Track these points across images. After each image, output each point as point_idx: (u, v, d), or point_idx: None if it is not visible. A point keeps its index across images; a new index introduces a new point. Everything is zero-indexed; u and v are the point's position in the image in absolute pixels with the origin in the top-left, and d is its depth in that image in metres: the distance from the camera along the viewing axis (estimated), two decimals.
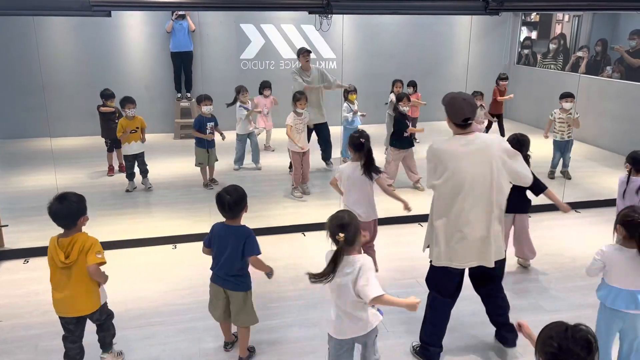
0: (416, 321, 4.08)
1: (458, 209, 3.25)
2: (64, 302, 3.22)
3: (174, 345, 3.80)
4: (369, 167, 4.30)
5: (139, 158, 6.81)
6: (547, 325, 1.98)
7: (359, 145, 4.27)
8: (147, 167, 6.90)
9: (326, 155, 7.76)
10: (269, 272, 3.51)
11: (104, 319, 3.45)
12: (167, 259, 5.12)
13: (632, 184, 4.60)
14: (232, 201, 3.29)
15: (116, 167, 7.55)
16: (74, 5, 4.47)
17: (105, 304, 3.44)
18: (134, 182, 6.90)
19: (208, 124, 6.77)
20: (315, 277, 2.75)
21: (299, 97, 6.52)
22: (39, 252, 4.74)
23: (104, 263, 3.21)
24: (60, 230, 3.22)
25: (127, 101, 6.59)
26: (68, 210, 3.13)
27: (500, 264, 3.53)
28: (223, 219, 3.41)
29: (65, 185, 6.64)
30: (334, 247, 2.77)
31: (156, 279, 4.72)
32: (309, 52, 7.45)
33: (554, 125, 7.28)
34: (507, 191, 3.32)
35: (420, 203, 6.47)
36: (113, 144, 7.34)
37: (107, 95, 7.26)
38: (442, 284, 3.50)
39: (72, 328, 3.31)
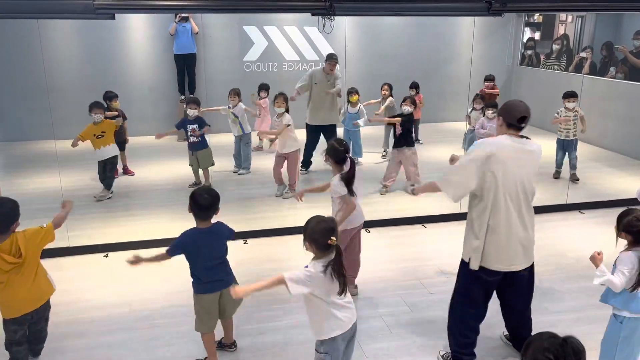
0: (419, 322, 4.09)
1: (507, 209, 3.24)
2: (32, 297, 3.26)
3: (178, 346, 3.81)
4: (350, 183, 4.02)
5: (109, 165, 6.70)
6: (536, 336, 1.99)
7: (343, 159, 4.05)
8: (113, 180, 6.79)
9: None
10: None
11: (45, 323, 3.45)
12: (171, 260, 5.09)
13: None
14: (209, 202, 3.31)
15: (120, 170, 7.57)
16: (78, 8, 4.49)
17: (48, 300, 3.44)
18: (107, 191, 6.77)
19: (189, 125, 6.74)
20: (343, 292, 2.82)
21: (276, 97, 6.65)
22: (43, 253, 4.74)
23: (49, 228, 3.28)
24: None
25: (95, 106, 6.58)
26: (2, 217, 3.14)
27: (531, 274, 3.53)
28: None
29: (69, 187, 6.69)
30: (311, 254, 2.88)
31: (160, 280, 4.74)
32: (336, 62, 7.48)
33: (558, 124, 7.29)
34: None
35: (425, 205, 6.50)
36: (117, 146, 7.35)
37: (110, 96, 7.29)
38: (476, 291, 3.44)
39: (23, 327, 3.31)
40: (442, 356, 3.66)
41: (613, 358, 3.20)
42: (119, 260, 5.12)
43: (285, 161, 6.70)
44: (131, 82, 9.60)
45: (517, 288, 3.52)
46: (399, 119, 6.70)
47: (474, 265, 3.35)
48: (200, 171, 7.01)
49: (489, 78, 8.78)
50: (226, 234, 3.45)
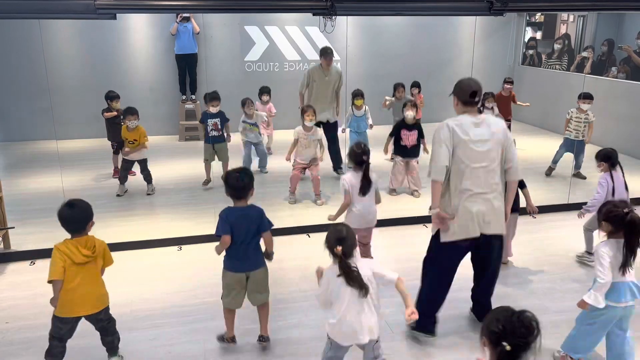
0: None
1: (472, 180, 3.45)
2: (88, 298, 3.34)
3: (179, 346, 3.81)
4: (367, 180, 4.45)
5: (141, 164, 6.86)
6: (493, 309, 2.09)
7: (360, 162, 4.40)
8: (150, 172, 6.93)
9: (336, 164, 7.57)
10: (272, 253, 3.65)
11: (108, 322, 3.53)
12: (172, 261, 5.13)
13: (618, 180, 4.78)
14: (242, 181, 3.41)
15: None
16: (79, 8, 4.50)
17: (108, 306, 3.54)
18: (125, 186, 6.89)
19: (210, 120, 6.83)
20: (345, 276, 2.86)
21: (306, 110, 6.38)
22: (45, 253, 4.77)
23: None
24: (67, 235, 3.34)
25: (128, 112, 6.64)
26: (80, 215, 3.29)
27: (500, 244, 3.72)
28: None
29: (71, 187, 6.70)
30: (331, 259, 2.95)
31: (162, 280, 4.74)
32: (332, 55, 7.25)
33: (569, 124, 7.23)
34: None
35: (424, 204, 6.48)
36: (119, 146, 7.38)
37: (112, 96, 7.30)
38: (448, 260, 3.67)
39: (69, 328, 3.39)
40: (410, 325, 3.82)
41: (582, 340, 3.38)
42: (120, 260, 5.11)
43: (309, 171, 6.58)
44: (132, 82, 9.61)
45: (485, 255, 3.73)
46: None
47: (443, 238, 3.58)
48: (212, 167, 7.07)
49: (509, 81, 8.70)
50: (258, 217, 3.50)
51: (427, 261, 3.81)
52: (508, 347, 1.92)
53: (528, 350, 1.95)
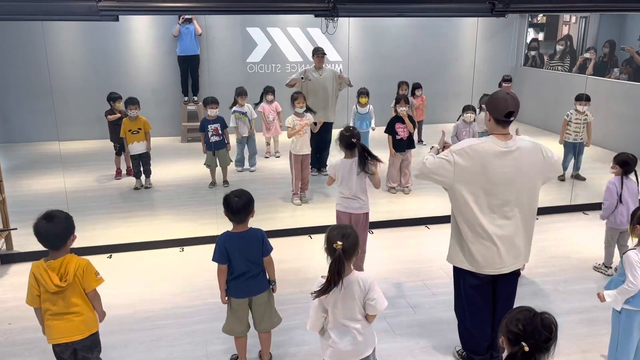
0: (422, 323, 4.09)
1: (488, 212, 3.17)
2: (64, 326, 3.02)
3: (181, 347, 3.82)
4: (364, 164, 4.28)
5: (144, 158, 7.03)
6: (514, 309, 2.07)
7: (350, 145, 4.31)
8: (150, 167, 7.15)
9: (320, 162, 7.60)
10: (273, 281, 3.49)
11: (95, 356, 3.19)
12: (174, 262, 5.14)
13: (630, 187, 4.67)
14: (241, 205, 3.26)
15: (124, 171, 7.60)
16: (82, 10, 4.50)
17: (98, 333, 3.17)
18: (141, 180, 7.13)
19: (210, 125, 6.84)
20: (319, 292, 2.71)
21: (296, 97, 6.50)
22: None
23: (102, 282, 3.07)
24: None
25: (130, 102, 6.81)
26: (59, 229, 2.92)
27: (515, 279, 3.44)
28: (228, 225, 3.40)
29: (73, 189, 6.71)
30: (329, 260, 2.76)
31: (163, 281, 4.74)
32: (323, 53, 7.39)
33: (568, 127, 7.18)
34: (538, 192, 3.26)
35: (426, 205, 6.49)
36: (121, 147, 7.40)
37: (114, 98, 7.32)
38: (471, 288, 3.39)
39: (67, 357, 3.10)
40: (458, 352, 3.68)
41: (615, 349, 3.27)
42: (122, 261, 5.14)
43: (301, 163, 6.58)
44: (134, 84, 9.62)
45: (500, 293, 3.43)
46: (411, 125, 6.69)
47: (455, 263, 3.39)
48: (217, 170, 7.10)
49: (508, 79, 8.64)
50: (258, 241, 3.35)
51: (455, 299, 3.58)
52: (526, 348, 1.92)
53: (545, 352, 1.95)
